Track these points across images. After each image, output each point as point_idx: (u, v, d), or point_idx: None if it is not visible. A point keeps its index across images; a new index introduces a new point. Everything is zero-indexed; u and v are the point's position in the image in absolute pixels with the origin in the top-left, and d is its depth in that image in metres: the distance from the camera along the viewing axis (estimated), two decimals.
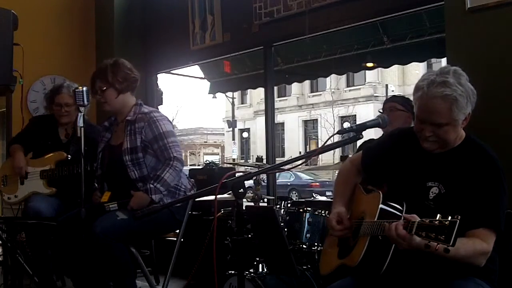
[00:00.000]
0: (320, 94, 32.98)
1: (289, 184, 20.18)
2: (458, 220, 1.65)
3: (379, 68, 8.09)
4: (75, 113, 4.09)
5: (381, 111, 3.51)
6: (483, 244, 1.97)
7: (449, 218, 1.67)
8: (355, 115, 30.26)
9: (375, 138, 3.49)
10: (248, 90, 27.02)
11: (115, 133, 3.58)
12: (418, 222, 1.77)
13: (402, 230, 1.83)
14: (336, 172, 3.58)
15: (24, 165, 4.04)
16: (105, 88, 3.44)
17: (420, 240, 1.77)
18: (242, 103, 38.16)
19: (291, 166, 2.34)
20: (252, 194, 3.51)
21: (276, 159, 5.39)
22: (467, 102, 2.05)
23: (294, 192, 19.77)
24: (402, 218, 1.92)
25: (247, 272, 3.20)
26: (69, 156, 4.00)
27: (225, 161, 32.42)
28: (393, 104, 3.40)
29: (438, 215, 1.70)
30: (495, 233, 2.01)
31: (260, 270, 3.35)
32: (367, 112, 28.17)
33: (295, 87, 31.97)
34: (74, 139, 4.03)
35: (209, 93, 8.82)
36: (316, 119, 33.00)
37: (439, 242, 1.67)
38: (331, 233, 2.39)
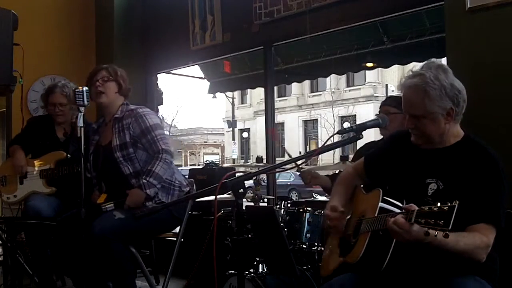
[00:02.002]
0: (320, 94, 32.97)
1: (289, 184, 20.17)
2: (456, 205, 1.67)
3: (379, 68, 8.10)
4: (70, 112, 4.10)
5: (377, 114, 3.49)
6: (483, 238, 1.97)
7: (448, 204, 1.69)
8: (355, 115, 30.24)
9: (375, 140, 3.51)
10: (248, 90, 27.06)
11: (103, 134, 3.62)
12: (417, 210, 1.79)
13: (401, 218, 1.85)
14: (336, 172, 3.58)
15: (24, 163, 4.03)
16: (111, 78, 3.52)
17: (419, 228, 1.78)
18: (242, 103, 38.15)
19: (291, 166, 2.34)
20: (252, 194, 3.51)
21: (276, 159, 5.39)
22: (442, 95, 2.07)
23: (294, 192, 19.76)
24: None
25: (247, 272, 3.20)
26: (68, 155, 4.01)
27: (225, 161, 32.41)
28: (386, 108, 3.31)
29: (438, 203, 1.72)
30: (495, 228, 2.01)
31: (260, 270, 3.35)
32: (367, 112, 28.15)
33: (295, 87, 31.96)
34: (73, 138, 4.03)
35: (208, 93, 8.82)
36: (316, 119, 32.99)
37: (438, 227, 1.69)
38: (327, 225, 2.39)
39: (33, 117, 4.80)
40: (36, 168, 4.03)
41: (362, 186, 2.42)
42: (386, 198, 2.11)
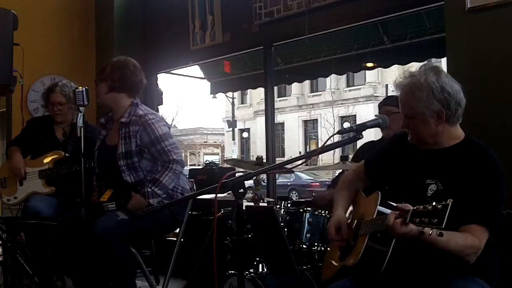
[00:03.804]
0: (320, 94, 32.98)
1: (289, 184, 20.16)
2: (450, 203, 1.67)
3: (379, 68, 8.11)
4: (69, 112, 4.10)
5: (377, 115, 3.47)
6: (475, 240, 1.97)
7: (442, 202, 1.70)
8: (355, 115, 30.26)
9: (374, 140, 3.50)
10: (248, 90, 27.01)
11: (110, 131, 3.56)
12: (412, 209, 1.79)
13: (393, 219, 1.85)
14: (336, 172, 3.59)
15: (22, 165, 4.03)
16: (98, 81, 3.48)
17: (413, 227, 1.79)
18: (242, 103, 38.16)
19: (291, 166, 2.34)
20: (252, 194, 3.51)
21: (276, 159, 5.39)
22: (429, 97, 2.08)
23: (294, 192, 19.76)
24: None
25: (247, 272, 3.19)
26: (67, 154, 4.00)
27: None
28: (389, 108, 3.28)
29: (434, 202, 1.73)
30: (488, 230, 2.01)
31: (260, 270, 3.35)
32: (367, 112, 28.15)
33: (295, 87, 31.96)
34: (72, 138, 4.03)
35: (210, 94, 8.83)
36: (316, 119, 33.00)
37: (432, 226, 1.69)
38: (330, 242, 2.40)
39: (33, 118, 4.80)
40: (35, 169, 4.03)
41: (362, 189, 2.42)
42: (385, 201, 2.10)
